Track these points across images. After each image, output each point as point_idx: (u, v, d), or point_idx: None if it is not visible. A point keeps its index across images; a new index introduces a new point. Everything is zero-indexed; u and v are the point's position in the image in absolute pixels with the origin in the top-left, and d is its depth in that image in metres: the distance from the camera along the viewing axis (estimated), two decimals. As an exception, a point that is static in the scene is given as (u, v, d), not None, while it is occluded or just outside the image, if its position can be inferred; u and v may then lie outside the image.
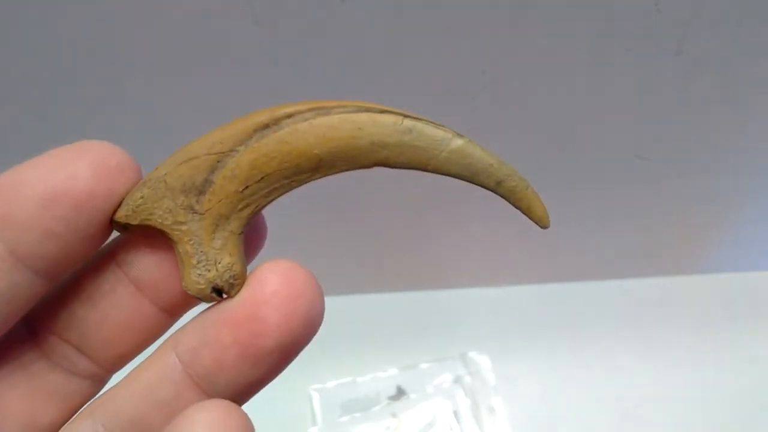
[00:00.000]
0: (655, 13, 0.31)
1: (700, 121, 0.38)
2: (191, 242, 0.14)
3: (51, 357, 0.15)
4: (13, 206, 0.12)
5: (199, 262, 0.14)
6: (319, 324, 0.14)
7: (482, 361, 0.45)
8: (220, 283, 0.14)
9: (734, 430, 0.44)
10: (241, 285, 0.14)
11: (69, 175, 0.13)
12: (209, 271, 0.14)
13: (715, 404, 0.45)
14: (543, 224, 0.15)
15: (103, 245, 0.14)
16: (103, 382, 0.16)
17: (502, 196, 0.15)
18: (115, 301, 0.15)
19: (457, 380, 0.44)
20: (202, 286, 0.14)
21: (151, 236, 0.14)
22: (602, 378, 0.46)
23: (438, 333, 0.47)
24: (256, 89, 0.32)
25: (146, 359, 0.15)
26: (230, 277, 0.14)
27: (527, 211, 0.15)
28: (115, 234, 0.15)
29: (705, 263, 0.51)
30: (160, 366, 0.14)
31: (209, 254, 0.14)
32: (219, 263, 0.14)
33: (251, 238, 0.15)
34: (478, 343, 0.46)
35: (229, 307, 0.14)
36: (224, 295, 0.14)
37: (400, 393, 0.44)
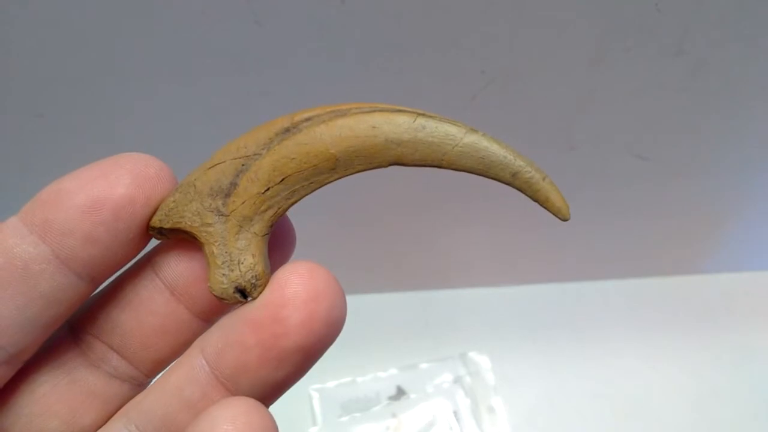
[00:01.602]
0: (655, 13, 0.31)
1: (700, 121, 0.38)
2: (217, 243, 0.14)
3: (92, 359, 0.15)
4: (57, 212, 0.13)
5: (223, 263, 0.14)
6: (342, 325, 0.14)
7: (482, 361, 0.45)
8: (242, 283, 0.14)
9: (734, 430, 0.44)
10: (264, 286, 0.14)
11: (109, 184, 0.13)
12: (232, 270, 0.14)
13: (715, 404, 0.45)
14: (562, 216, 0.15)
15: (142, 253, 0.15)
16: (142, 386, 0.16)
17: (518, 189, 0.15)
18: (152, 307, 0.15)
19: (457, 380, 0.44)
20: (225, 286, 0.14)
21: (185, 242, 0.15)
22: (602, 378, 0.46)
23: (438, 333, 0.47)
24: (256, 89, 0.32)
25: (176, 361, 0.15)
26: (252, 277, 0.14)
27: (545, 204, 0.15)
28: (154, 243, 0.15)
29: (705, 263, 0.51)
30: (188, 367, 0.15)
31: (233, 254, 0.14)
32: (242, 263, 0.14)
33: (279, 245, 0.16)
34: (478, 343, 0.46)
35: (252, 308, 0.14)
36: (248, 297, 0.14)
37: (400, 393, 0.44)
